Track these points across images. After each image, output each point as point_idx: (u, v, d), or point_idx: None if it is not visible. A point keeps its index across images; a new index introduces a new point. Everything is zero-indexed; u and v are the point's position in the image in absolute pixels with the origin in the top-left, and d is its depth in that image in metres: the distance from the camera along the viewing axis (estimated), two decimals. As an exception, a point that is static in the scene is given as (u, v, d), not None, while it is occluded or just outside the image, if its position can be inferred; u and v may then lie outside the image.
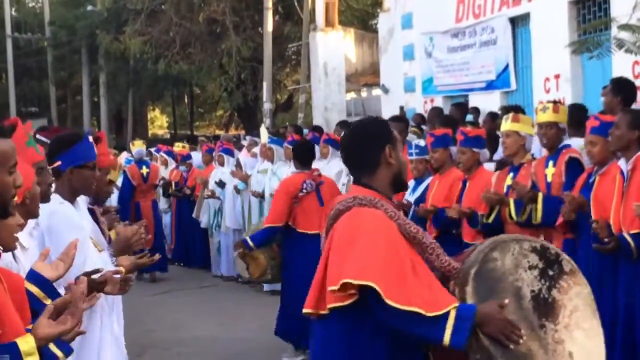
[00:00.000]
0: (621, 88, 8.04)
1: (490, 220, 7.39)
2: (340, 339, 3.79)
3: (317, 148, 11.88)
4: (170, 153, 17.49)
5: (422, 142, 8.77)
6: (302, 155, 9.31)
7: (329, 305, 3.77)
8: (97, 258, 4.61)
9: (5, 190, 2.90)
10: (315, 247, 8.66)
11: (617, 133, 6.12)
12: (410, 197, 8.69)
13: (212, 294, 13.09)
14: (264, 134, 14.14)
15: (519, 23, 16.25)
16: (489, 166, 8.55)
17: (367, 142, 3.99)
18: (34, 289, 3.26)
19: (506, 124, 7.50)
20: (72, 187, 4.79)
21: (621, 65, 12.89)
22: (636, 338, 5.88)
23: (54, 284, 3.56)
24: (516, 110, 9.12)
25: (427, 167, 8.71)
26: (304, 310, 3.92)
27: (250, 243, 8.70)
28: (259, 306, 11.51)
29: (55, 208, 4.48)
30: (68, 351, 3.01)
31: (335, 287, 3.66)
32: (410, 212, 8.41)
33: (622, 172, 6.09)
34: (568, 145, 7.14)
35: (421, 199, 8.50)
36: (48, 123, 34.40)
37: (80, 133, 5.02)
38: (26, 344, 2.72)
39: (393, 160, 3.98)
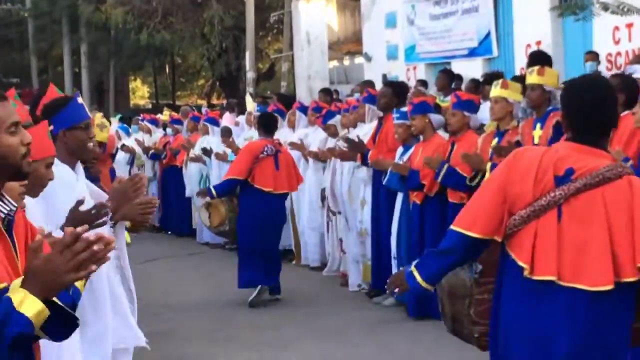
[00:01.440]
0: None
1: (474, 183, 7.64)
2: (619, 315, 3.82)
3: (300, 116, 12.12)
4: (154, 121, 17.57)
5: (404, 108, 8.95)
6: (266, 125, 10.35)
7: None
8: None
9: (10, 151, 2.87)
10: (266, 202, 9.85)
11: None
12: (399, 162, 8.90)
13: (199, 261, 13.23)
14: (250, 102, 14.27)
15: (500, -10, 16.37)
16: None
17: (616, 105, 4.01)
18: None
19: (495, 90, 7.70)
20: (69, 150, 4.82)
21: (602, 31, 13.06)
22: None
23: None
24: (498, 77, 9.28)
25: (408, 132, 8.90)
26: (600, 288, 3.72)
27: (213, 192, 9.95)
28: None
29: None
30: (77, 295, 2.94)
31: None
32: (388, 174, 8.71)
33: None
34: (556, 108, 7.29)
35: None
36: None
37: (68, 96, 5.05)
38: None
39: None
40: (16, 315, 2.52)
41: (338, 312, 9.36)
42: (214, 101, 40.94)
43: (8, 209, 2.90)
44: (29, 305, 2.53)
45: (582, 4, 9.74)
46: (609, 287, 3.70)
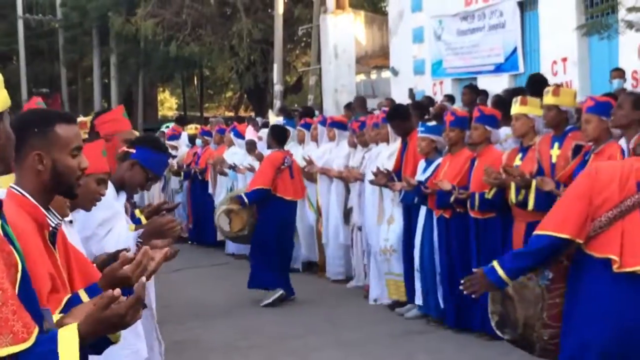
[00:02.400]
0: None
1: (490, 196, 7.75)
2: None
3: (322, 130, 12.19)
4: (175, 136, 17.67)
5: (431, 122, 9.03)
6: (280, 137, 11.10)
7: None
8: (124, 236, 4.84)
9: (69, 172, 3.13)
10: (285, 209, 10.56)
11: (620, 112, 6.35)
12: (421, 176, 8.98)
13: (224, 271, 13.36)
14: (272, 117, 14.47)
15: (527, 7, 16.44)
16: None
17: None
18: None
19: (515, 107, 7.77)
20: (122, 178, 5.10)
21: (627, 48, 13.09)
22: None
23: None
24: (520, 92, 9.35)
25: (432, 146, 8.98)
26: None
27: (246, 200, 10.53)
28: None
29: None
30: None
31: None
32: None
33: (622, 151, 6.33)
34: (575, 128, 7.36)
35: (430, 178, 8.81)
36: (61, 104, 34.67)
37: (168, 149, 5.39)
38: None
39: None
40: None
41: (361, 324, 9.45)
42: (242, 113, 41.16)
43: (55, 222, 3.10)
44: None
45: (606, 22, 9.76)
46: None
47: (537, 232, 4.58)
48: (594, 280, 4.44)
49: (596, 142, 6.68)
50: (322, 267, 12.06)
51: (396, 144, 9.92)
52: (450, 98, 14.90)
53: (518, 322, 4.71)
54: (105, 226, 4.81)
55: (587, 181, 4.54)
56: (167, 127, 18.82)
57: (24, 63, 37.86)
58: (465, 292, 4.72)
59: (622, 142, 6.43)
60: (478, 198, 8.01)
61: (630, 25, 9.58)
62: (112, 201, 5.00)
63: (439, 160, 8.92)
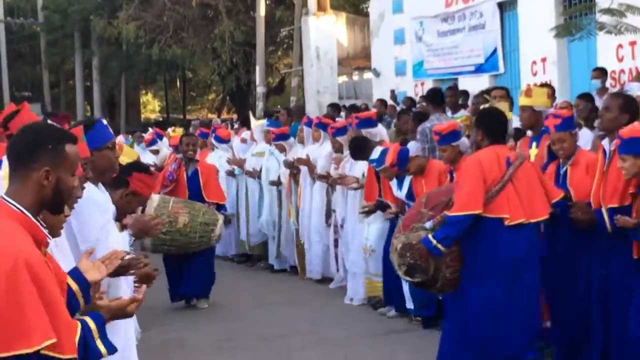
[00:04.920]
0: None
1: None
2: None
3: (309, 131, 12.19)
4: (160, 136, 17.63)
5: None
6: None
7: None
8: (118, 237, 4.92)
9: (67, 190, 3.20)
10: None
11: (608, 116, 6.26)
12: (399, 193, 9.04)
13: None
14: (253, 120, 14.52)
15: (506, 8, 16.58)
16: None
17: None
18: (74, 286, 3.43)
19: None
20: (97, 168, 5.08)
21: (605, 48, 13.21)
22: (610, 307, 6.24)
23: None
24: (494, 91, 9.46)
25: (393, 172, 9.08)
26: (544, 217, 6.59)
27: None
28: (255, 283, 11.90)
29: None
30: (111, 349, 3.25)
31: None
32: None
33: (604, 151, 6.31)
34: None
35: (410, 194, 8.85)
36: (41, 107, 34.60)
37: (94, 119, 5.41)
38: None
39: None
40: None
41: (343, 323, 9.53)
42: (224, 115, 41.20)
43: (51, 238, 3.19)
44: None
45: (580, 24, 9.78)
46: (547, 216, 6.56)
47: (454, 213, 6.41)
48: (489, 234, 6.40)
49: (571, 156, 6.74)
50: (302, 269, 12.09)
51: None
52: (426, 98, 14.97)
53: (430, 267, 6.52)
54: (105, 229, 4.89)
55: (478, 168, 6.46)
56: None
57: (5, 66, 37.83)
58: None
59: (605, 142, 6.39)
60: None
61: (602, 27, 9.58)
62: (106, 204, 5.06)
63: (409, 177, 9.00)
